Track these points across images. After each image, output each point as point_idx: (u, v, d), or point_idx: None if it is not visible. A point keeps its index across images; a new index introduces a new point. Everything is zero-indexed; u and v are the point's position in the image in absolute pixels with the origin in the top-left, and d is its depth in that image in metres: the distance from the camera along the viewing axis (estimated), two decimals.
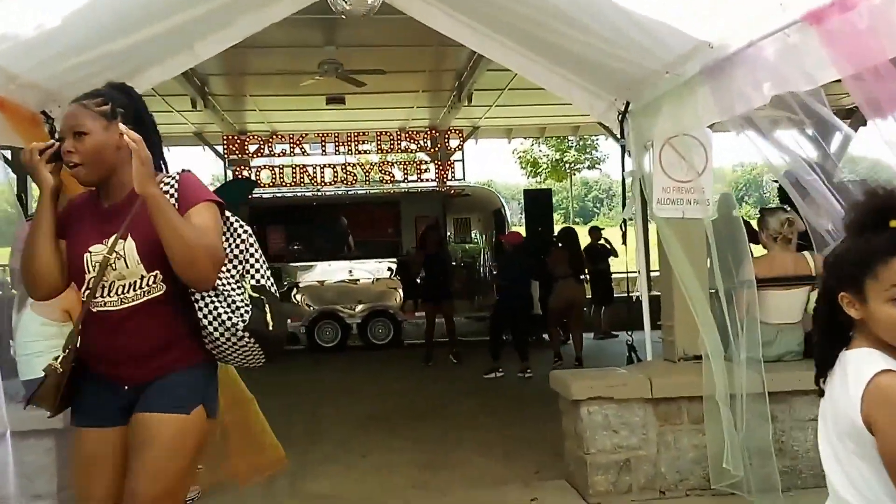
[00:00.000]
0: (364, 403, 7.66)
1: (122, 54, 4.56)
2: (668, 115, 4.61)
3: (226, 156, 13.69)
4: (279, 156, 13.78)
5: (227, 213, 2.73)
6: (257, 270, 2.65)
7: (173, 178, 2.63)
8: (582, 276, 11.41)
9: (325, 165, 13.58)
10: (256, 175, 13.53)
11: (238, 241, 2.68)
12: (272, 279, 2.71)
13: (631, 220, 5.37)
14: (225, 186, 12.49)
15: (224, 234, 2.65)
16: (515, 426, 6.38)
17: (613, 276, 13.86)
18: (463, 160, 13.98)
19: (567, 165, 26.14)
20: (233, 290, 2.56)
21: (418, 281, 11.62)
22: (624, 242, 5.33)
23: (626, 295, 15.05)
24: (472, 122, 15.55)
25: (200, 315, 2.51)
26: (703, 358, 4.43)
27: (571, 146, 26.36)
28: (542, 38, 4.79)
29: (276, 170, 13.53)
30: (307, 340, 13.16)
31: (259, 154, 13.80)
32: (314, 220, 14.04)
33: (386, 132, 13.76)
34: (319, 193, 13.91)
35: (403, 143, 13.88)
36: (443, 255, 11.14)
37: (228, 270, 2.59)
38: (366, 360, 11.79)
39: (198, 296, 2.51)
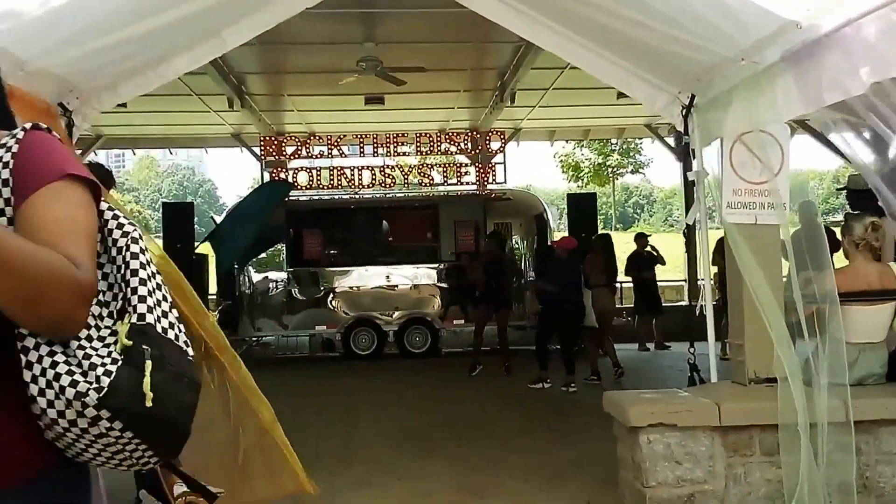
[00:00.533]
0: (400, 418, 7.25)
1: (144, 40, 4.22)
2: (740, 108, 4.12)
3: (263, 157, 13.42)
4: (317, 157, 13.47)
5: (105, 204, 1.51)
6: (143, 299, 1.41)
7: (14, 136, 1.43)
8: (615, 284, 10.90)
9: (363, 167, 13.24)
10: (294, 177, 13.24)
11: (113, 250, 1.47)
12: (180, 316, 1.50)
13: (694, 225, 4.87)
14: (262, 188, 12.22)
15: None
16: (562, 447, 5.92)
17: (661, 284, 13.34)
18: (504, 163, 13.54)
19: (609, 170, 25.51)
20: (92, 337, 1.38)
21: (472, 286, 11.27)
22: (687, 250, 4.83)
23: (673, 304, 14.52)
24: (513, 123, 15.11)
25: (27, 378, 1.33)
26: (777, 381, 3.93)
27: (614, 150, 25.75)
28: (599, 22, 4.34)
29: (314, 172, 13.22)
30: (343, 348, 12.82)
31: (296, 156, 13.51)
32: (351, 223, 13.69)
33: (426, 133, 13.38)
34: (357, 196, 13.58)
35: (443, 145, 13.49)
36: (504, 261, 10.73)
37: (97, 303, 1.42)
38: (402, 370, 11.39)
39: (28, 342, 1.34)
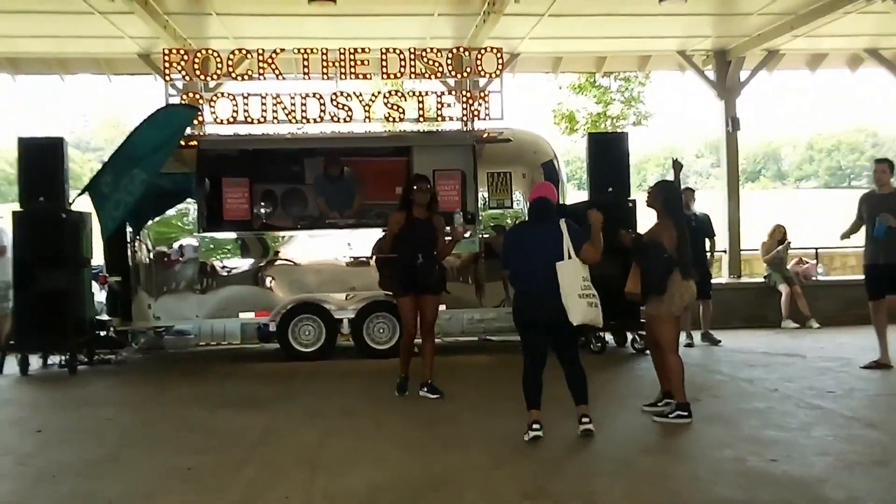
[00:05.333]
0: None
1: None
2: None
3: (167, 77, 9.66)
4: (243, 79, 9.73)
5: None
6: None
7: None
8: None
9: (307, 94, 9.52)
10: (211, 104, 9.50)
11: None
12: None
13: None
14: (154, 117, 8.46)
15: None
16: None
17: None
18: (502, 92, 9.91)
19: (610, 121, 21.87)
20: None
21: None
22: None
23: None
24: (509, 45, 11.50)
25: None
26: None
27: (615, 99, 22.08)
28: None
29: (240, 99, 9.48)
30: (279, 341, 9.28)
31: (216, 76, 9.77)
32: (291, 171, 10.07)
33: (394, 50, 9.71)
34: (299, 134, 9.90)
35: (419, 66, 9.80)
36: (431, 218, 6.85)
37: None
38: (359, 383, 7.90)
39: None
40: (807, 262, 12.13)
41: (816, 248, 13.00)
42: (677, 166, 6.42)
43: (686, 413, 5.79)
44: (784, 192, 55.90)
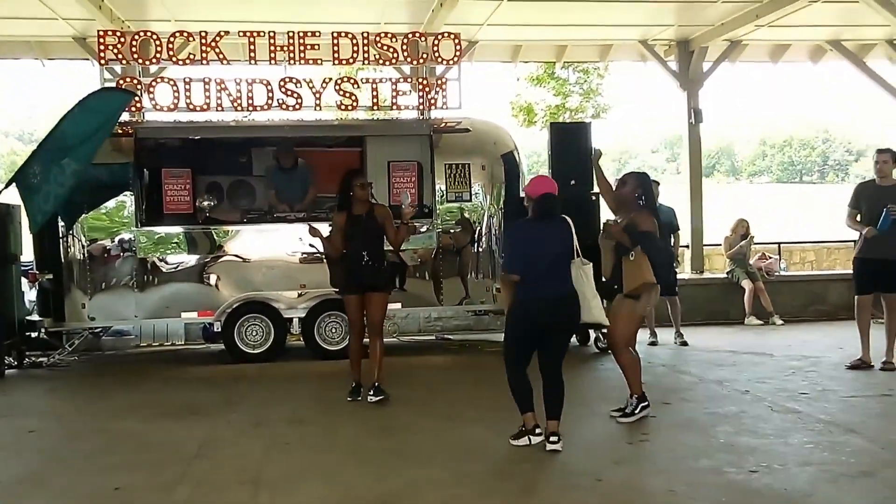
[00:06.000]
0: None
1: None
2: None
3: (101, 60, 9.02)
4: (185, 63, 9.13)
5: None
6: None
7: None
8: None
9: (254, 81, 8.96)
10: (150, 90, 8.88)
11: None
12: None
13: None
14: (85, 102, 7.83)
15: None
16: None
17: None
18: (460, 80, 9.46)
19: (569, 113, 21.58)
20: None
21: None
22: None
23: None
24: (467, 31, 11.07)
25: None
26: None
27: (574, 91, 21.81)
28: None
29: (181, 85, 8.89)
30: (225, 342, 8.75)
31: (156, 60, 9.15)
32: (236, 162, 9.52)
33: (346, 34, 9.19)
34: (245, 122, 9.34)
35: (372, 52, 9.31)
36: (374, 213, 6.55)
37: None
38: (310, 386, 7.43)
39: None
40: (770, 258, 11.94)
41: (779, 243, 12.83)
42: (597, 154, 6.36)
43: (645, 403, 5.67)
44: (738, 187, 56.54)
